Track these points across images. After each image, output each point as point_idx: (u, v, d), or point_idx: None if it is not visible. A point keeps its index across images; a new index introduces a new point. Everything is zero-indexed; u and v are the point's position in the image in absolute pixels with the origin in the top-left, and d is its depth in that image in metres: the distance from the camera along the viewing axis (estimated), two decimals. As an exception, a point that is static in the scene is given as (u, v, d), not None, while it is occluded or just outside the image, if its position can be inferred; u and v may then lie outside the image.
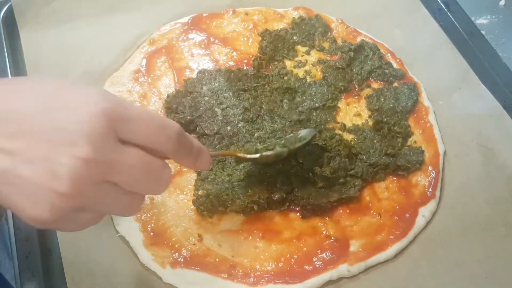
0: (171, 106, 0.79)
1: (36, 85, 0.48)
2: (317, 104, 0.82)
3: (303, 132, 0.74)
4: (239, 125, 0.78)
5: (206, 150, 0.58)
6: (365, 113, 0.84)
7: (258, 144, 0.75)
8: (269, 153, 0.69)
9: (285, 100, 0.82)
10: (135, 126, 0.47)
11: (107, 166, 0.45)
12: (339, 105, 0.84)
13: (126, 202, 0.49)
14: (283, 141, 0.72)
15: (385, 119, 0.82)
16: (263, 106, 0.81)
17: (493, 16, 1.09)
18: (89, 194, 0.45)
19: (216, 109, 0.79)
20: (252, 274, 0.66)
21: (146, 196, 0.71)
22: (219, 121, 0.78)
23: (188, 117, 0.78)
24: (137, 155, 0.47)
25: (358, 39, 0.93)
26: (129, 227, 0.69)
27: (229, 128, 0.77)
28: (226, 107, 0.80)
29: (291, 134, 0.75)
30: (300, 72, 0.87)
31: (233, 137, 0.77)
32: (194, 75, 0.85)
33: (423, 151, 0.79)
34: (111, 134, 0.45)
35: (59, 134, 0.44)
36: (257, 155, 0.68)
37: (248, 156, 0.68)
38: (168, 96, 0.81)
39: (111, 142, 0.46)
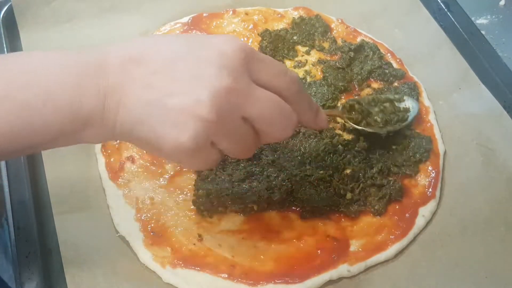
0: None
1: (176, 36, 0.53)
2: (317, 104, 0.82)
3: (406, 103, 0.79)
4: None
5: (320, 108, 0.61)
6: (365, 113, 0.84)
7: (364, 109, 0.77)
8: (369, 130, 0.74)
9: (285, 100, 0.82)
10: (264, 66, 0.51)
11: (245, 97, 0.48)
12: (339, 105, 0.84)
13: (251, 142, 0.52)
14: (382, 113, 0.76)
15: (385, 119, 0.82)
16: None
17: (493, 16, 1.08)
18: (228, 123, 0.48)
19: None
20: (252, 274, 0.66)
21: (147, 196, 0.71)
22: None
23: None
24: (269, 94, 0.51)
25: (358, 39, 0.93)
26: (129, 227, 0.69)
27: None
28: None
29: (387, 97, 0.79)
30: (300, 72, 0.87)
31: None
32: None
33: (431, 140, 0.80)
34: (247, 70, 0.49)
35: (203, 66, 0.47)
36: (359, 127, 0.74)
37: (351, 124, 0.75)
38: None
39: (248, 78, 0.49)
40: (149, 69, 0.47)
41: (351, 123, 0.75)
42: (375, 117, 0.76)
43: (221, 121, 0.47)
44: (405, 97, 0.80)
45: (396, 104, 0.79)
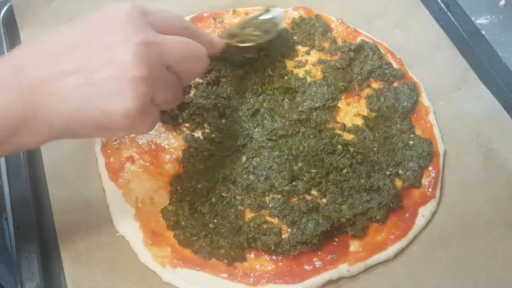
0: None
1: (72, 24, 0.56)
2: (317, 104, 0.82)
3: (270, 13, 0.88)
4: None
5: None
6: (365, 113, 0.84)
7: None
8: (252, 44, 0.80)
9: (286, 100, 0.82)
10: (159, 15, 0.55)
11: (160, 47, 0.52)
12: (339, 105, 0.84)
13: (179, 87, 0.57)
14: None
15: (385, 119, 0.82)
16: (264, 104, 0.81)
17: (493, 16, 1.09)
18: (158, 75, 0.52)
19: None
20: (252, 274, 0.66)
21: (146, 195, 0.71)
22: None
23: None
24: (175, 37, 0.55)
25: (358, 39, 0.92)
26: (129, 227, 0.69)
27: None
28: None
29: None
30: (300, 72, 0.87)
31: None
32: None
33: (431, 142, 0.79)
34: (147, 24, 0.53)
35: (109, 35, 0.50)
36: (247, 44, 0.80)
37: (240, 45, 0.79)
38: None
39: (151, 29, 0.53)
40: (61, 57, 0.50)
41: (239, 44, 0.79)
42: (253, 33, 0.81)
43: (152, 74, 0.50)
44: (270, 10, 0.88)
45: (262, 17, 0.86)
